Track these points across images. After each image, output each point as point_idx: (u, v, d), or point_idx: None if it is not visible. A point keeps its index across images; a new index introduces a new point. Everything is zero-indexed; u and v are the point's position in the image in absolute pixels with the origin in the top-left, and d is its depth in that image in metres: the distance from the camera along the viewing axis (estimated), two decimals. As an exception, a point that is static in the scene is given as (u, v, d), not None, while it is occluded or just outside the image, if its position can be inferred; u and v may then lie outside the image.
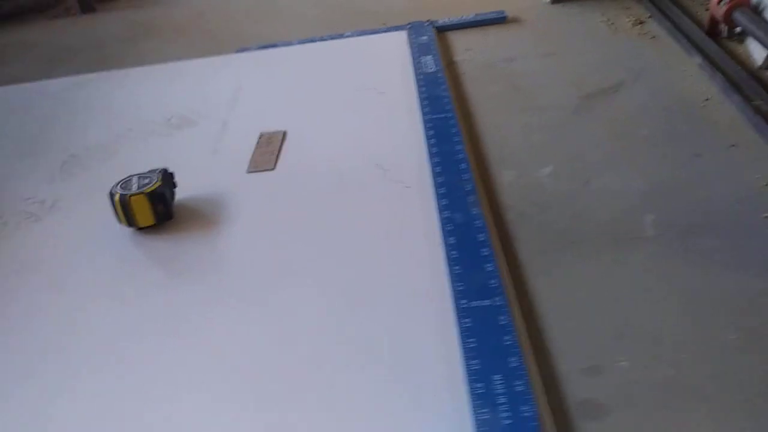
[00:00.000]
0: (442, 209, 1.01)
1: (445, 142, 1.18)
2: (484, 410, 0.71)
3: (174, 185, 1.12)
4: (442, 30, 1.66)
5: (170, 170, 1.12)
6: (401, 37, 1.62)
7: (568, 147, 1.15)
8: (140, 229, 1.07)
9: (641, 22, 1.55)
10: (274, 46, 1.71)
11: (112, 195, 1.05)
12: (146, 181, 1.07)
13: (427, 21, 1.67)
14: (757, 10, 1.33)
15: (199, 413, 0.78)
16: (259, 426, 0.76)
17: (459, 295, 0.86)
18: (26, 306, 0.98)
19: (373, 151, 1.19)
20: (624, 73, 1.35)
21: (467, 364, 0.76)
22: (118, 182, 1.07)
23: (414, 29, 1.64)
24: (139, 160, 1.24)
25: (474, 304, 0.84)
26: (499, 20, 1.67)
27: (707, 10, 1.43)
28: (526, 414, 0.70)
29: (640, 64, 1.37)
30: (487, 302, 0.84)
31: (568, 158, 1.12)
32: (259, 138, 1.29)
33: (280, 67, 1.59)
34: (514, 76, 1.41)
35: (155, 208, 1.05)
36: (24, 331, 0.94)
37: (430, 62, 1.47)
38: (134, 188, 1.05)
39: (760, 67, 1.29)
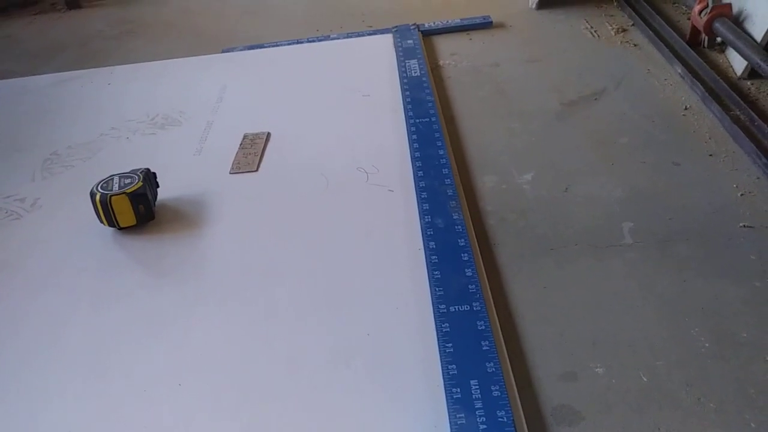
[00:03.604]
0: (423, 213, 1.02)
1: (428, 146, 1.18)
2: (460, 415, 0.72)
3: (156, 185, 1.12)
4: (427, 34, 1.67)
5: (153, 170, 1.12)
6: (387, 40, 1.63)
7: (549, 153, 1.16)
8: (122, 229, 1.07)
9: (624, 30, 1.56)
10: (260, 46, 1.71)
11: (92, 195, 1.05)
12: (128, 181, 1.06)
13: (413, 25, 1.68)
14: (737, 21, 1.35)
15: (180, 412, 0.78)
16: (239, 426, 0.76)
17: (438, 300, 0.86)
18: (6, 306, 0.98)
19: (357, 154, 1.20)
20: (606, 80, 1.36)
21: (445, 369, 0.77)
22: (99, 182, 1.07)
23: (400, 33, 1.65)
24: (122, 160, 1.25)
25: (453, 308, 0.85)
26: (485, 25, 1.68)
27: (689, 19, 1.45)
28: (501, 419, 0.71)
29: (622, 71, 1.39)
30: (465, 307, 0.85)
31: (549, 165, 1.14)
32: (243, 139, 1.29)
33: (265, 68, 1.59)
34: (498, 81, 1.42)
35: (136, 208, 1.05)
36: (4, 331, 0.93)
37: (415, 66, 1.48)
38: (115, 188, 1.05)
39: (740, 78, 1.30)
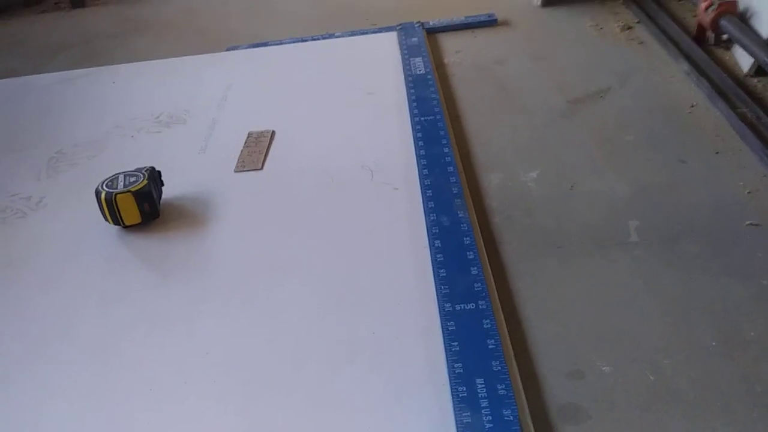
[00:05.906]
0: (428, 212, 1.02)
1: (433, 144, 1.18)
2: (466, 413, 0.71)
3: (161, 184, 1.12)
4: (432, 32, 1.66)
5: (157, 168, 1.12)
6: (391, 38, 1.63)
7: (554, 151, 1.16)
8: (127, 227, 1.07)
9: (629, 27, 1.56)
10: (264, 44, 1.71)
11: (98, 193, 1.05)
12: (133, 179, 1.06)
13: (417, 22, 1.68)
14: (744, 18, 1.34)
15: (185, 412, 0.78)
16: (243, 425, 0.76)
17: (444, 299, 0.86)
18: (12, 304, 0.98)
19: (362, 153, 1.20)
20: (611, 78, 1.36)
21: (450, 367, 0.77)
22: (105, 180, 1.07)
23: (404, 30, 1.64)
24: (127, 158, 1.24)
25: (458, 307, 0.85)
26: (490, 23, 1.67)
27: (695, 16, 1.44)
28: (507, 418, 0.70)
29: (628, 69, 1.38)
30: (471, 306, 0.84)
31: (555, 162, 1.13)
32: (248, 137, 1.29)
33: (270, 66, 1.59)
34: (503, 78, 1.42)
35: (141, 206, 1.05)
36: (9, 329, 0.94)
37: (419, 64, 1.47)
38: (120, 186, 1.05)
39: (746, 75, 1.30)
